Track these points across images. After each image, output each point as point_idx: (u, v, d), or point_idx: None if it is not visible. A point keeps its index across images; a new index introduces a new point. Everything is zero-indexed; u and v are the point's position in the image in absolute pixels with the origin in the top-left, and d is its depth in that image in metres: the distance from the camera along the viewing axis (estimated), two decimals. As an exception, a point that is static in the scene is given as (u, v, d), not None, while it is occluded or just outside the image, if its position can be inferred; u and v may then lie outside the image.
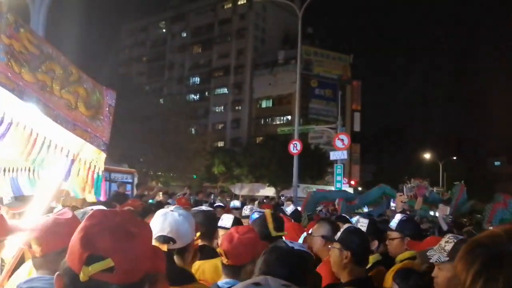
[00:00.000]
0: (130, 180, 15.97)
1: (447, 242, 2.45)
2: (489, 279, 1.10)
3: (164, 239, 2.18)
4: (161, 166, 35.07)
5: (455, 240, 2.43)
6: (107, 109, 2.37)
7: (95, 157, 2.35)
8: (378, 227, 4.07)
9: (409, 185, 11.85)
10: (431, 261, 2.49)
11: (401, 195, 8.90)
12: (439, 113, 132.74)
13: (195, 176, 41.00)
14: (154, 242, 2.06)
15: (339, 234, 2.95)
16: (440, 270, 2.42)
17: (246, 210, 4.66)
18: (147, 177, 34.76)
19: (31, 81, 1.91)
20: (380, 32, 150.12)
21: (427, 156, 59.10)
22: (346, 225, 3.12)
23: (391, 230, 3.67)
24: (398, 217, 3.78)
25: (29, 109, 1.89)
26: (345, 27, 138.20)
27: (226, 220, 3.68)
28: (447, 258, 2.36)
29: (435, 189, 14.91)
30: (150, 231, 1.32)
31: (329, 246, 3.01)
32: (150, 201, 12.35)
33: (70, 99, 2.09)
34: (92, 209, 2.74)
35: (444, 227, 5.47)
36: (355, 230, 3.00)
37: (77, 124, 2.13)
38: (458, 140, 75.23)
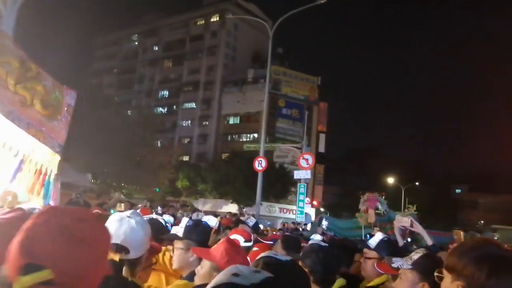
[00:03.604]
0: None
1: (417, 253, 2.40)
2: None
3: (117, 248, 1.99)
4: (125, 177, 34.52)
5: (425, 252, 2.40)
6: (65, 109, 2.28)
7: (48, 160, 2.23)
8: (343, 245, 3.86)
9: (362, 199, 12.01)
10: (393, 265, 2.41)
11: (378, 230, 9.00)
12: (405, 139, 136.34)
13: (158, 190, 40.49)
14: None
15: (301, 252, 2.87)
16: (400, 280, 2.36)
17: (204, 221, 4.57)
18: (111, 188, 34.12)
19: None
20: (349, 55, 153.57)
21: (390, 180, 60.04)
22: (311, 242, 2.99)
23: (369, 248, 3.42)
24: (379, 236, 3.55)
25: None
26: (314, 49, 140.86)
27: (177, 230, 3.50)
28: (411, 266, 2.31)
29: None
30: (107, 238, 1.18)
31: None
32: (112, 211, 12.08)
33: (25, 95, 2.00)
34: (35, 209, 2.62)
35: (400, 242, 5.17)
36: (317, 248, 2.86)
37: (31, 123, 2.03)
38: (422, 166, 76.94)
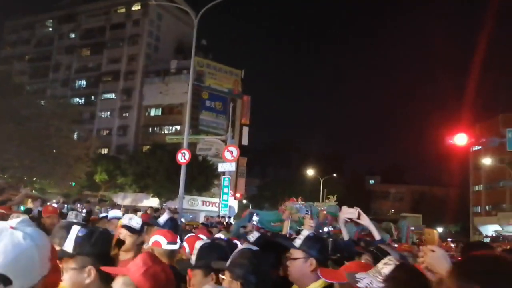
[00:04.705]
0: None
1: (386, 264, 1.93)
2: None
3: None
4: (38, 171, 32.73)
5: (396, 263, 1.92)
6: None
7: None
8: (273, 242, 3.40)
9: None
10: (359, 285, 1.88)
11: (308, 218, 8.72)
12: (323, 133, 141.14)
13: (74, 184, 38.84)
14: None
15: (229, 260, 2.41)
16: None
17: (125, 220, 4.37)
18: (21, 183, 32.18)
19: None
20: (271, 49, 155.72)
21: (310, 172, 61.92)
22: (240, 247, 2.48)
23: (294, 248, 2.91)
24: (304, 233, 3.01)
25: None
26: (237, 42, 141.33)
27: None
28: (382, 285, 1.82)
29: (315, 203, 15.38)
30: None
31: (221, 277, 2.45)
32: (22, 208, 11.28)
33: None
34: None
35: (346, 235, 4.49)
36: (249, 254, 2.38)
37: None
38: (339, 159, 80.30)
